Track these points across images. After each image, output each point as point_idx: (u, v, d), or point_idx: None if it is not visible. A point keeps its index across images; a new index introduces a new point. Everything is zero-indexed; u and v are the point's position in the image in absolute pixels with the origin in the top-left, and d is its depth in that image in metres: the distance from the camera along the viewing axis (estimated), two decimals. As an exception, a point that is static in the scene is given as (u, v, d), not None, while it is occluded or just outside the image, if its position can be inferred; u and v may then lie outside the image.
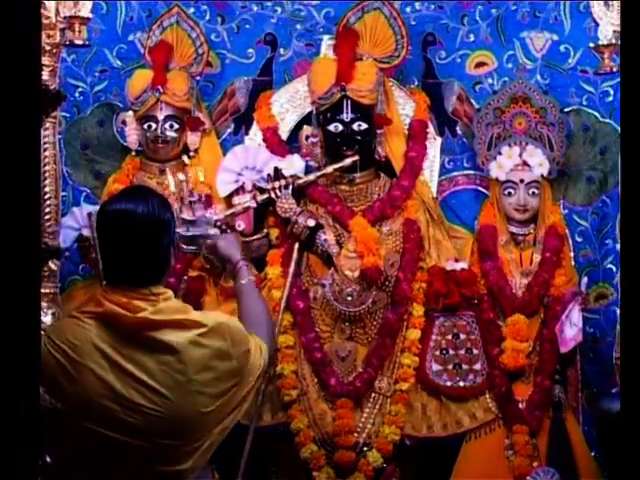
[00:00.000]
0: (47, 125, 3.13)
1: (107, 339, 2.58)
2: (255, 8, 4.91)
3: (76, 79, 4.86)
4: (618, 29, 4.46)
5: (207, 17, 4.91)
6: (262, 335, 2.91)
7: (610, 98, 4.68)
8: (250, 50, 4.92)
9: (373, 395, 4.55)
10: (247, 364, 2.74)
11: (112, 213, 2.67)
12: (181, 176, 4.19)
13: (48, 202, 3.14)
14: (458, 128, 4.90)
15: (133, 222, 2.63)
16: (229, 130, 4.94)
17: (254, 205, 4.55)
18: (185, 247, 3.89)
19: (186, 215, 3.77)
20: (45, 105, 3.04)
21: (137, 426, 2.55)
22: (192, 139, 4.78)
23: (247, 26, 4.91)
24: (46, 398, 2.53)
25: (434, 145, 4.82)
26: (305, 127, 4.74)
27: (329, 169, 4.62)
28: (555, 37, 4.81)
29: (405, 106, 4.81)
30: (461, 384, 4.54)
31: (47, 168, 3.15)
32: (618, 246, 4.48)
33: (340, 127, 4.60)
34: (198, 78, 4.82)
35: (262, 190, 4.59)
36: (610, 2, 4.62)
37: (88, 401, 2.54)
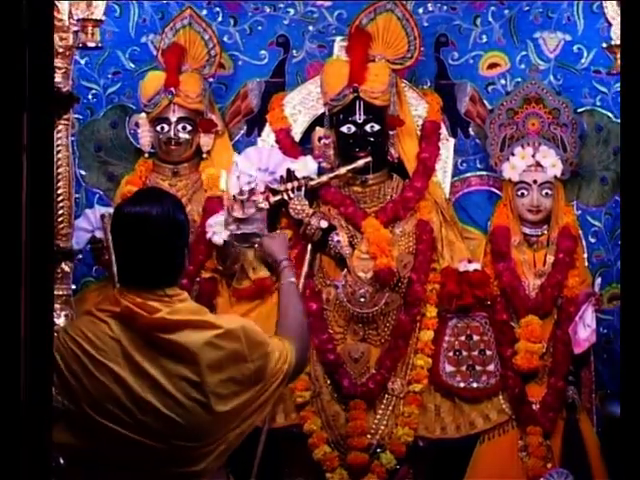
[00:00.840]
0: (60, 127, 3.13)
1: (123, 337, 2.59)
2: (267, 10, 4.90)
3: (89, 81, 4.86)
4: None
5: (219, 19, 4.91)
6: (293, 338, 2.88)
7: (623, 98, 4.67)
8: (263, 52, 4.92)
9: (386, 396, 4.55)
10: (266, 367, 2.71)
11: (127, 215, 2.68)
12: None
13: (61, 204, 3.13)
14: (471, 129, 4.89)
15: (148, 224, 2.64)
16: (242, 132, 4.94)
17: (267, 207, 4.53)
18: (237, 244, 3.90)
19: (237, 213, 3.77)
20: (58, 107, 3.04)
21: (150, 425, 2.55)
22: (205, 141, 4.78)
23: (259, 28, 4.91)
24: (59, 400, 2.53)
25: (447, 146, 4.82)
26: (318, 129, 4.74)
27: (342, 170, 4.62)
28: (568, 37, 4.80)
29: (418, 107, 4.80)
30: (474, 385, 4.54)
31: (60, 170, 3.15)
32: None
33: (353, 128, 4.60)
34: (211, 80, 4.82)
35: (275, 192, 4.59)
36: (623, 2, 4.61)
37: (103, 396, 2.54)
